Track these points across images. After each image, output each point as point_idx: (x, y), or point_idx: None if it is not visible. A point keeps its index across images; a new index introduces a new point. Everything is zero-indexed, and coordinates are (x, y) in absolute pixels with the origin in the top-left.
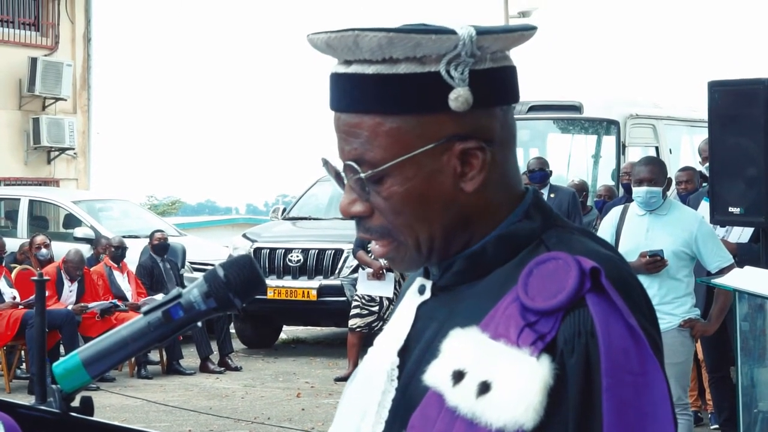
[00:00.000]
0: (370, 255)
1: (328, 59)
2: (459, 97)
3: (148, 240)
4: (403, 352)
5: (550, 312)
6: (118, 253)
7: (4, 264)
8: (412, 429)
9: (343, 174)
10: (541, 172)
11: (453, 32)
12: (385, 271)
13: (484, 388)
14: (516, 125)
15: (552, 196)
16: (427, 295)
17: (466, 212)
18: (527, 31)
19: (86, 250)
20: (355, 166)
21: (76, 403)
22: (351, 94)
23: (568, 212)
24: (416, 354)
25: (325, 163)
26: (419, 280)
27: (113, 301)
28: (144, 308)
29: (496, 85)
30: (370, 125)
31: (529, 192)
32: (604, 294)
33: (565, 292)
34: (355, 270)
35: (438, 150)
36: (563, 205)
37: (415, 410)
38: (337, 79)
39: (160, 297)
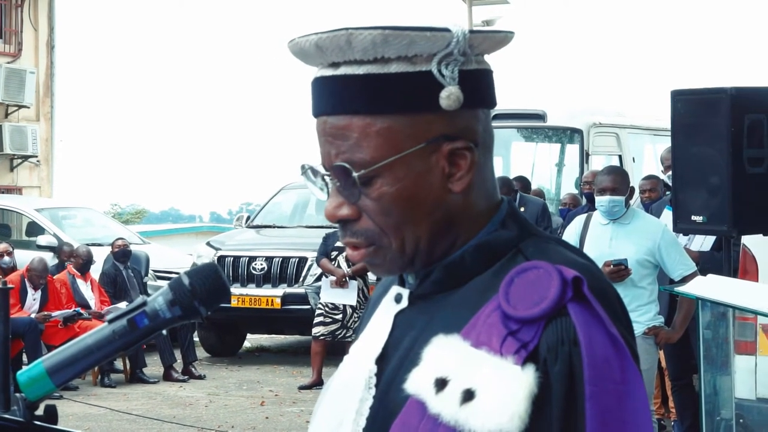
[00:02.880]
0: (334, 263)
1: (292, 68)
2: (451, 95)
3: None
4: (381, 360)
5: (532, 320)
6: (85, 265)
7: None
8: None
9: (327, 179)
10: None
11: (447, 30)
12: (348, 279)
13: (468, 395)
14: (493, 134)
15: (522, 209)
16: (405, 303)
17: (451, 214)
18: (509, 34)
19: (49, 258)
20: (348, 166)
21: (40, 411)
22: (340, 96)
23: (536, 223)
24: (395, 362)
25: (305, 169)
26: (395, 289)
27: (76, 309)
28: (109, 316)
29: (481, 87)
30: (359, 126)
31: (504, 202)
32: (585, 303)
33: (547, 300)
34: (318, 278)
35: (427, 150)
36: (533, 217)
37: (395, 418)
38: (323, 83)
39: (124, 305)
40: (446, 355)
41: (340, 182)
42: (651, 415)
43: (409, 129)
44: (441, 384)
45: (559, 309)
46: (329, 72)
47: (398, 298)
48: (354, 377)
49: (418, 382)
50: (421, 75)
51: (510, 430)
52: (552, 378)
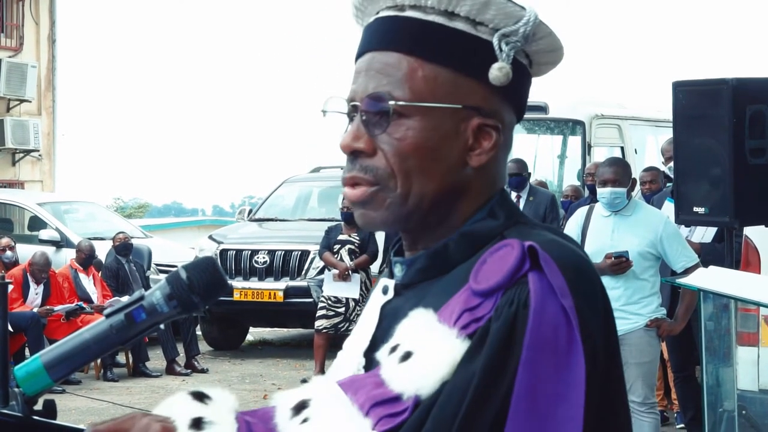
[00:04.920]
0: (336, 257)
1: (296, 62)
2: (503, 68)
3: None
4: (370, 353)
5: (491, 292)
6: (88, 259)
7: None
8: (340, 381)
9: (354, 111)
10: (518, 177)
11: (522, 8)
12: (350, 272)
13: (406, 356)
14: (512, 141)
15: (531, 199)
16: (391, 294)
17: (459, 186)
18: (563, 50)
19: (51, 252)
20: (385, 93)
21: (38, 406)
22: (398, 35)
23: (544, 216)
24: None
25: (329, 101)
26: (383, 281)
27: (79, 303)
28: (106, 311)
29: (521, 86)
30: (408, 66)
31: (498, 192)
32: (545, 274)
33: (505, 270)
34: (321, 271)
35: (460, 115)
36: (541, 208)
37: None
38: (382, 22)
39: (125, 299)
40: (412, 326)
41: (369, 113)
42: (584, 394)
43: (452, 86)
44: (394, 348)
45: (519, 278)
46: (392, 13)
47: (385, 290)
48: (345, 371)
49: (382, 351)
50: (481, 42)
51: (423, 392)
52: (490, 333)
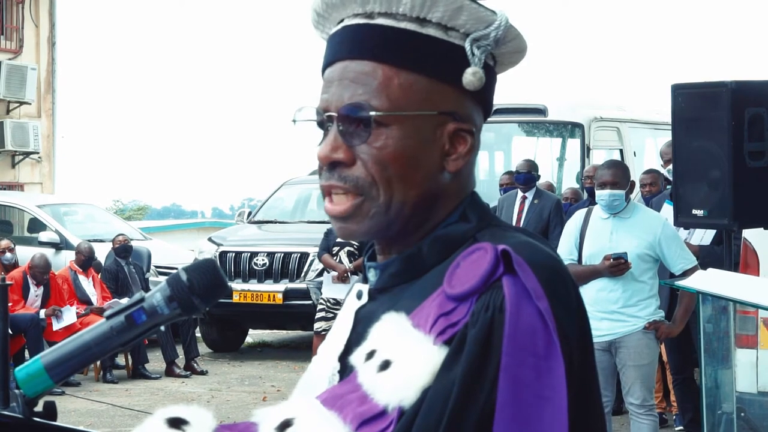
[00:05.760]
0: (336, 259)
1: (295, 64)
2: (477, 73)
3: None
4: (344, 357)
5: (465, 296)
6: (87, 261)
7: None
8: (320, 397)
9: (329, 121)
10: (527, 174)
11: (493, 12)
12: (349, 274)
13: (385, 365)
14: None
15: (536, 201)
16: (365, 299)
17: (437, 192)
18: (527, 51)
19: (51, 254)
20: (365, 103)
21: (39, 408)
22: (371, 43)
23: (549, 219)
24: None
25: (301, 110)
26: (357, 286)
27: (77, 310)
28: (107, 312)
29: (490, 87)
30: (384, 74)
31: (468, 194)
32: (519, 277)
33: (479, 275)
34: (320, 273)
35: (436, 120)
36: (545, 212)
37: None
38: (352, 30)
39: (125, 301)
40: (385, 331)
41: (348, 123)
42: (566, 395)
43: (427, 93)
44: (370, 355)
45: (493, 283)
46: (362, 21)
47: (359, 295)
48: (319, 375)
49: (357, 355)
50: (453, 47)
51: (408, 402)
52: (468, 339)
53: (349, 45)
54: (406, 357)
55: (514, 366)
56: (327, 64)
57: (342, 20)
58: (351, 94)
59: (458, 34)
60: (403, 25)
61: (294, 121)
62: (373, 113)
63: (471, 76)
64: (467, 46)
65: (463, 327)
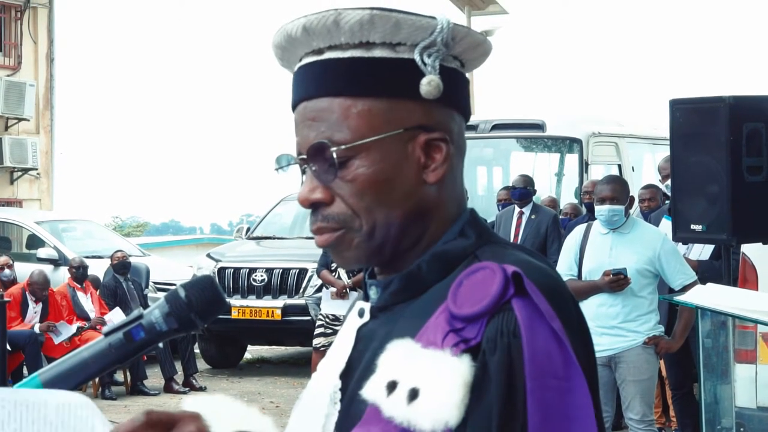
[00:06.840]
0: (334, 275)
1: (287, 76)
2: (432, 81)
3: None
4: (345, 375)
5: (474, 317)
6: (80, 272)
7: None
8: None
9: (303, 164)
10: (522, 189)
11: (432, 18)
12: (348, 290)
13: (413, 394)
14: (466, 144)
15: (533, 217)
16: (366, 317)
17: (424, 206)
18: (489, 42)
19: (49, 270)
20: (327, 142)
21: None
22: (323, 79)
23: (546, 235)
24: (358, 374)
25: (279, 159)
26: (359, 304)
27: (78, 325)
28: (105, 329)
29: (458, 88)
30: (341, 107)
31: (466, 210)
32: (530, 299)
33: (489, 297)
34: (319, 289)
35: (404, 137)
36: (542, 227)
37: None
38: (306, 70)
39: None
40: (397, 358)
41: (317, 162)
42: (593, 411)
43: (388, 114)
44: (391, 387)
45: (503, 305)
46: (312, 58)
47: (361, 313)
48: (320, 393)
49: (373, 389)
50: (404, 62)
51: (450, 419)
52: (490, 367)
53: (305, 85)
54: (432, 378)
55: (539, 390)
56: (293, 106)
57: (300, 59)
58: (315, 134)
59: (406, 47)
60: (349, 53)
61: (277, 169)
62: (334, 149)
63: (426, 85)
64: (416, 57)
65: (477, 348)
